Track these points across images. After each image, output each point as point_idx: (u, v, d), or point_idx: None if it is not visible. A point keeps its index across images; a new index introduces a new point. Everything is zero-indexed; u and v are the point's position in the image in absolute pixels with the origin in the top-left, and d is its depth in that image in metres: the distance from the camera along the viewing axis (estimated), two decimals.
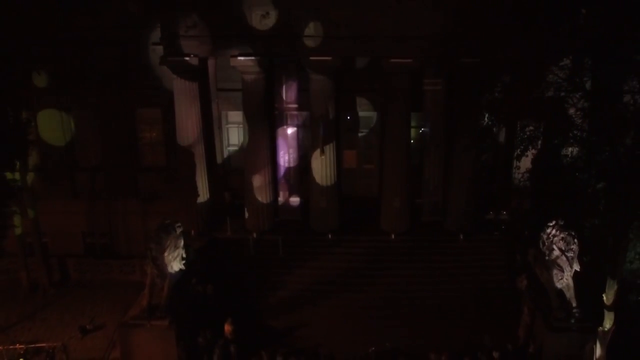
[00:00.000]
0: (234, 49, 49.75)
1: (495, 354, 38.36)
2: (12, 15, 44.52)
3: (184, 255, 39.80)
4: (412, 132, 55.28)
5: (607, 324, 34.74)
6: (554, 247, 37.36)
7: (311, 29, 48.41)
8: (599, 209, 35.09)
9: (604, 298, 35.37)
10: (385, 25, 47.51)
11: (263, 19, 48.19)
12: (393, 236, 53.14)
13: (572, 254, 37.04)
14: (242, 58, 49.97)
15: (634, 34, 30.77)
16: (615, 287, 34.72)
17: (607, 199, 33.56)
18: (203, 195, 53.95)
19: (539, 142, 36.55)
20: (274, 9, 47.92)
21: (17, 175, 47.04)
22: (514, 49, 36.55)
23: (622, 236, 33.81)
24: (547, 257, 38.12)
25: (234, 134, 59.08)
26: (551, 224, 37.72)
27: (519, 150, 37.08)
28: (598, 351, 35.52)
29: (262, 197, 53.44)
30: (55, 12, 47.29)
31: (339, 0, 47.39)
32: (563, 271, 37.63)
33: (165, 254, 38.69)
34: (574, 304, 38.24)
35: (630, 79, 31.94)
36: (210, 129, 55.43)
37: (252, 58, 49.69)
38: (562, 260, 37.28)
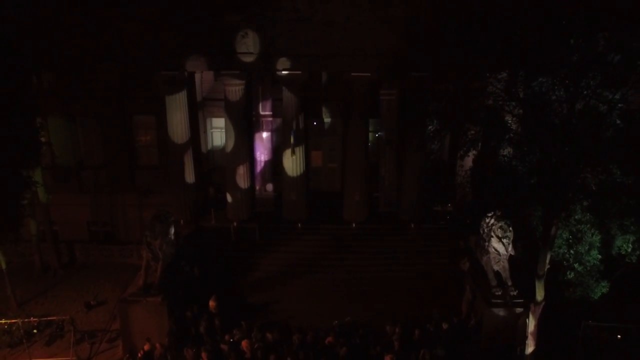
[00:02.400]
0: (217, 65, 49.88)
1: (445, 325, 38.03)
2: (26, 37, 45.26)
3: (174, 241, 39.51)
4: (370, 135, 55.22)
5: (539, 294, 34.49)
6: (492, 234, 37.21)
7: (284, 47, 48.26)
8: (532, 202, 34.81)
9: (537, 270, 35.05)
10: (347, 44, 47.62)
11: (242, 38, 48.13)
12: (354, 225, 52.99)
13: (507, 240, 36.90)
14: (224, 72, 50.06)
15: (561, 51, 30.51)
16: (546, 265, 34.45)
17: (538, 193, 33.26)
18: (191, 189, 53.81)
19: (479, 144, 36.26)
20: (252, 31, 47.83)
21: (31, 173, 46.52)
22: (457, 64, 36.40)
23: (551, 224, 33.58)
24: (486, 243, 38.02)
25: (217, 137, 58.75)
26: (490, 215, 37.52)
27: (462, 151, 36.74)
28: (530, 323, 35.31)
29: (242, 191, 53.22)
30: (63, 32, 47.89)
31: (308, 23, 47.31)
32: (500, 255, 37.60)
33: (159, 240, 38.33)
34: (509, 283, 38.19)
35: (558, 89, 31.65)
36: (197, 133, 55.40)
37: (233, 73, 49.59)
38: (499, 246, 37.16)
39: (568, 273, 38.59)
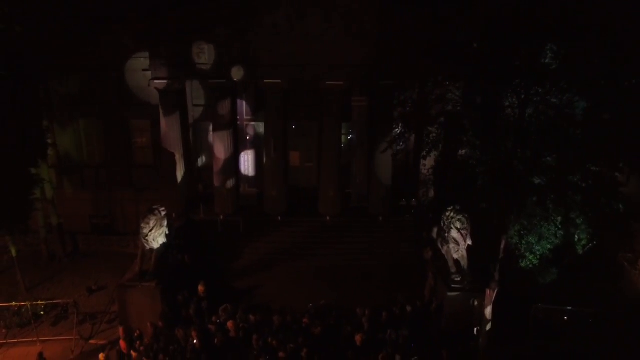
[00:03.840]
0: (205, 74, 49.72)
1: (409, 308, 37.87)
2: (35, 50, 45.66)
3: (167, 233, 39.08)
4: (343, 138, 55.26)
5: (493, 280, 34.55)
6: (452, 226, 36.88)
7: (266, 58, 48.39)
8: (487, 197, 34.82)
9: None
10: (323, 55, 47.72)
11: (229, 50, 48.30)
12: (328, 218, 52.90)
13: (465, 232, 36.66)
14: (211, 81, 50.08)
15: (513, 62, 30.53)
16: (501, 254, 34.49)
17: (493, 189, 33.28)
18: (181, 186, 53.67)
19: (440, 145, 36.21)
20: (237, 43, 48.14)
21: (39, 171, 47.17)
22: (408, 73, 36.61)
23: (505, 217, 33.66)
24: (446, 234, 37.71)
25: (205, 139, 58.46)
26: (450, 208, 37.32)
27: (425, 152, 36.86)
28: (486, 306, 35.22)
29: (227, 188, 53.15)
30: (66, 45, 48.32)
31: (287, 37, 47.50)
32: (459, 245, 37.24)
33: (153, 231, 38.10)
34: (468, 271, 37.95)
35: (510, 96, 31.74)
36: (187, 135, 55.11)
37: (220, 81, 49.60)
38: (458, 237, 36.84)
39: (520, 261, 38.64)
